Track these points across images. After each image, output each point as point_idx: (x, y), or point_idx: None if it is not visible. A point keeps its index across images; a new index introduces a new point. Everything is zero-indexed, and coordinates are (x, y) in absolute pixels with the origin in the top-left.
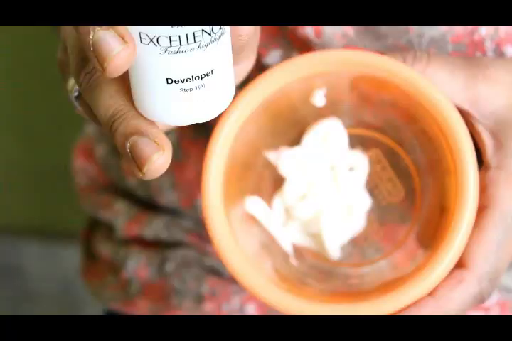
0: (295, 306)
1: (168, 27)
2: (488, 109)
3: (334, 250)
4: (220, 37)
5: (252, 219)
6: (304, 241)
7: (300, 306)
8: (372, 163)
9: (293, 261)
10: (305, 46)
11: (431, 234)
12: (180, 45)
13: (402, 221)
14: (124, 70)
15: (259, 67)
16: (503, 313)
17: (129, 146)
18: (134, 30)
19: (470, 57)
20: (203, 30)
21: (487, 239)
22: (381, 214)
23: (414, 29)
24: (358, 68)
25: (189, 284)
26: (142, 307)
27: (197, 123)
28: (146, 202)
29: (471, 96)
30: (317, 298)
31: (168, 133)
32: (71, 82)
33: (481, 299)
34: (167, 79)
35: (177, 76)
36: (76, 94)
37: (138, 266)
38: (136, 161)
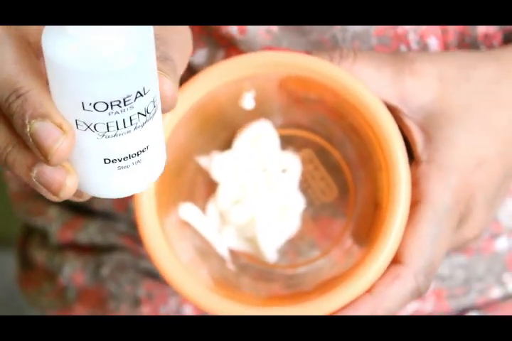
0: (232, 311)
1: (106, 114)
2: (416, 103)
3: (270, 253)
4: (153, 115)
5: (187, 226)
6: (240, 246)
7: (237, 311)
8: (305, 163)
9: (230, 266)
10: (230, 44)
11: (366, 230)
12: (118, 129)
13: (337, 219)
14: (66, 158)
15: (187, 67)
16: (439, 302)
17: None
18: (70, 117)
19: (396, 52)
20: (138, 113)
21: (421, 233)
22: (316, 213)
23: None
24: (285, 69)
25: (125, 288)
26: (80, 313)
27: None
28: (79, 207)
29: (399, 91)
30: (254, 302)
31: None
32: None
33: (418, 294)
34: (105, 159)
35: (115, 156)
36: None
37: (73, 271)
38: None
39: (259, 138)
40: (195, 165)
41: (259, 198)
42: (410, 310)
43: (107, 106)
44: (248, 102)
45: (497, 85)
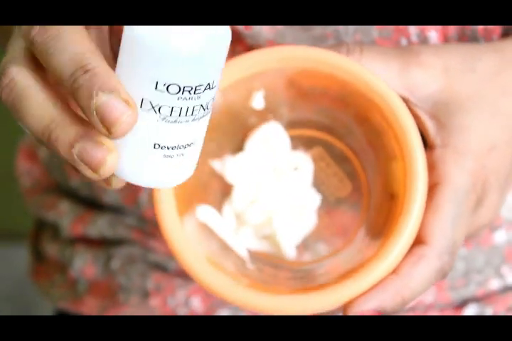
0: (265, 302)
1: (174, 98)
2: (424, 93)
3: (289, 250)
4: (208, 113)
5: (205, 227)
6: (258, 246)
7: (270, 301)
8: (316, 160)
9: (249, 266)
10: (236, 39)
11: (383, 221)
12: (179, 116)
13: (353, 213)
14: (126, 133)
15: None
16: (440, 293)
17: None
18: (136, 96)
19: (400, 46)
20: (201, 105)
21: (443, 214)
22: (331, 208)
23: None
24: (294, 63)
25: (135, 280)
26: (90, 305)
27: None
28: (89, 201)
29: (407, 82)
30: (282, 292)
31: None
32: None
33: (443, 274)
34: (155, 144)
35: (165, 143)
36: None
37: (84, 264)
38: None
39: (270, 139)
40: (209, 168)
41: (274, 198)
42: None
43: (179, 89)
44: (258, 102)
45: (501, 75)
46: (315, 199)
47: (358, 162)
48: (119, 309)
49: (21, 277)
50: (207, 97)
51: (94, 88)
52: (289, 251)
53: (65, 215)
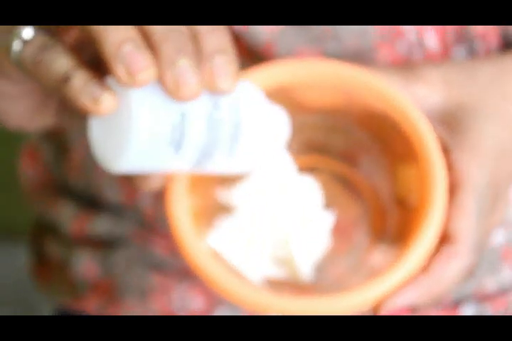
0: (292, 304)
1: None
2: (429, 105)
3: (307, 272)
4: None
5: (217, 254)
6: (273, 271)
7: (297, 303)
8: (323, 184)
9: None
10: (235, 39)
11: (396, 225)
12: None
13: (364, 229)
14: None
15: None
16: None
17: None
18: None
19: (401, 65)
20: None
21: (467, 211)
22: (342, 227)
23: None
24: (291, 78)
25: (134, 280)
26: (90, 305)
27: None
28: (89, 201)
29: (410, 95)
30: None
31: None
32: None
33: (471, 270)
34: None
35: None
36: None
37: (84, 264)
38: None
39: (275, 163)
40: (216, 195)
41: (285, 221)
42: None
43: None
44: None
45: (500, 82)
46: (326, 219)
47: (368, 185)
48: (118, 309)
49: (21, 277)
50: None
51: None
52: (307, 274)
53: (65, 215)
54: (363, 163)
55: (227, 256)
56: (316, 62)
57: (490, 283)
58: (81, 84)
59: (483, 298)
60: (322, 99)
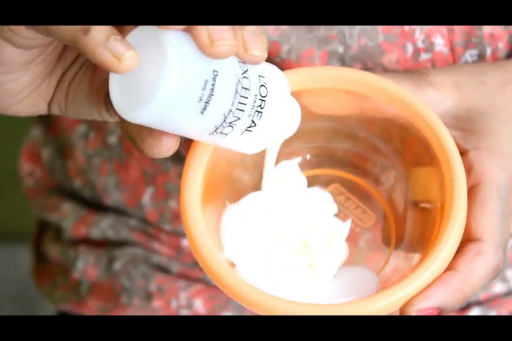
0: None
1: None
2: (441, 110)
3: (328, 283)
4: None
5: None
6: (289, 282)
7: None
8: (335, 195)
9: None
10: None
11: (414, 228)
12: None
13: (381, 238)
14: None
15: None
16: None
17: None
18: None
19: (408, 70)
20: None
21: (491, 210)
22: (359, 239)
23: None
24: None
25: (137, 282)
26: (92, 307)
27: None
28: (92, 203)
29: (422, 100)
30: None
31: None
32: None
33: (499, 270)
34: None
35: None
36: None
37: (87, 266)
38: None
39: (286, 177)
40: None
41: (299, 235)
42: None
43: None
44: None
45: (508, 85)
46: (342, 230)
47: (380, 195)
48: (121, 311)
49: (24, 278)
50: None
51: None
52: (327, 284)
53: (67, 217)
54: (375, 168)
55: (242, 268)
56: (328, 68)
57: (496, 287)
58: (103, 38)
59: (489, 301)
60: (332, 105)
